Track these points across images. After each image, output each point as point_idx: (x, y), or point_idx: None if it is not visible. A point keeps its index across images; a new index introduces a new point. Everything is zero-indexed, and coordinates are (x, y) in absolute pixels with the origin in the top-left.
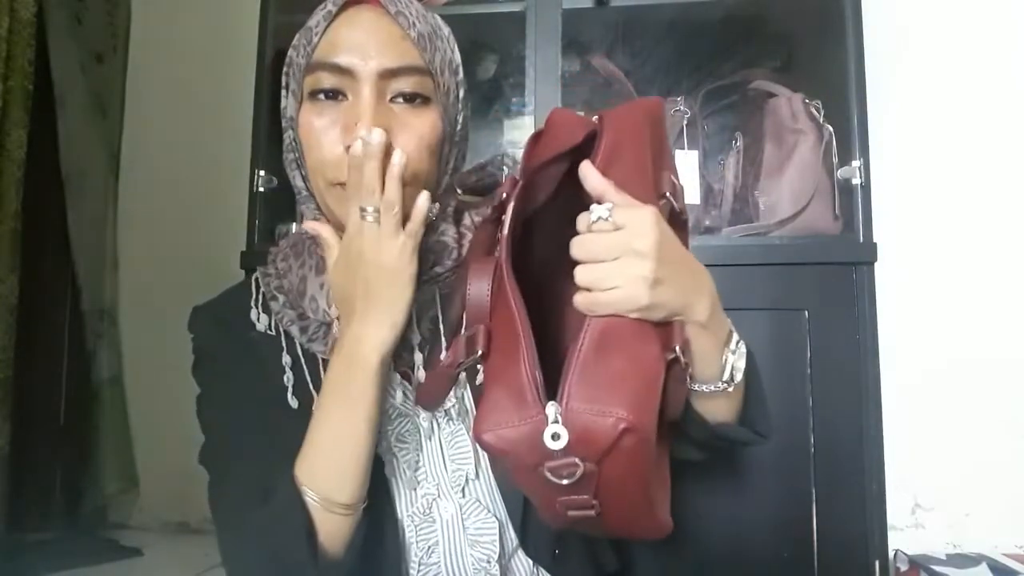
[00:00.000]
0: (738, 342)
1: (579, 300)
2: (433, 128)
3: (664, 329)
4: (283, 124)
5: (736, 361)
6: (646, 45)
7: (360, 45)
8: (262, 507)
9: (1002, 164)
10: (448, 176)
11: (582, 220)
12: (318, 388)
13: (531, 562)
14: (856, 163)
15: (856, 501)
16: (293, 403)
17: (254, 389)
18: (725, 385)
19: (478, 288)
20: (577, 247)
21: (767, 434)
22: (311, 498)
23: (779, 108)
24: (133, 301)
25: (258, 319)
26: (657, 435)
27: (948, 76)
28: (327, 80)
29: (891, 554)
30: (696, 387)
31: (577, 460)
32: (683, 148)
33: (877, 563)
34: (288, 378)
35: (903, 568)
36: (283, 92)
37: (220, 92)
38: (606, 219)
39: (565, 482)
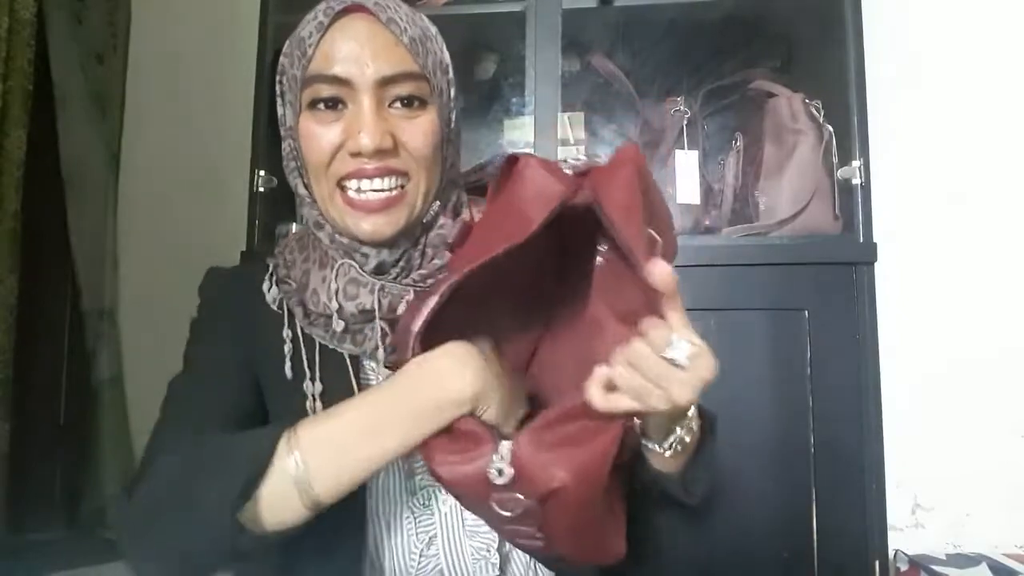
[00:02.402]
0: (692, 418)
1: (596, 396)
2: (433, 128)
3: None
4: (282, 133)
5: (684, 436)
6: (646, 45)
7: (356, 55)
8: (230, 433)
9: (1002, 164)
10: (447, 172)
11: (659, 339)
12: (311, 366)
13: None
14: (856, 163)
15: (856, 501)
16: (288, 373)
17: (245, 350)
18: (665, 451)
19: (405, 323)
20: (636, 356)
21: (697, 497)
22: (294, 460)
23: (779, 108)
24: (133, 301)
25: (268, 290)
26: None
27: (948, 76)
28: (325, 91)
29: (891, 554)
30: (642, 441)
31: (520, 496)
32: (683, 148)
33: (877, 563)
34: (288, 348)
35: (903, 568)
36: (279, 100)
37: (220, 92)
38: (682, 365)
39: (508, 514)
